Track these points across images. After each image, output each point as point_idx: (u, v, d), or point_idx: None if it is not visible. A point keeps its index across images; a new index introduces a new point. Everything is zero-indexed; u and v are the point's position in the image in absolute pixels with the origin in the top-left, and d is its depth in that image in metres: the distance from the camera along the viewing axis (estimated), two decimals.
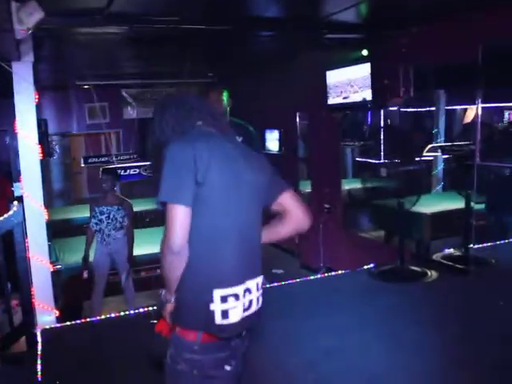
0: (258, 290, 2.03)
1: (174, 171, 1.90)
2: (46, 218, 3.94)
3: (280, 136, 8.08)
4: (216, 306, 1.89)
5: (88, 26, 4.46)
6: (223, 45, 6.20)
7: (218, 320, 1.89)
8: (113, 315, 4.30)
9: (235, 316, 1.91)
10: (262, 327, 3.06)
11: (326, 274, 5.41)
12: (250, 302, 1.98)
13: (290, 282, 4.91)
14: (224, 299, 1.90)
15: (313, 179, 7.51)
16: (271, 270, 6.66)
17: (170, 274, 1.92)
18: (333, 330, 3.72)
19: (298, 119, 7.64)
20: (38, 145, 3.87)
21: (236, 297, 1.92)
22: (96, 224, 5.47)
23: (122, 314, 4.41)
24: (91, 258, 5.55)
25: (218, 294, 1.89)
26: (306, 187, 7.60)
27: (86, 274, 5.48)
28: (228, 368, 1.96)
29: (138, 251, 5.86)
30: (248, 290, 1.97)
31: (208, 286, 1.89)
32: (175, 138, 2.01)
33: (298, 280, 4.98)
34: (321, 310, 4.13)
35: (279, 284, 4.79)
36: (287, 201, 2.12)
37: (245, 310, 1.95)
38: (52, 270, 3.95)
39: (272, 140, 8.28)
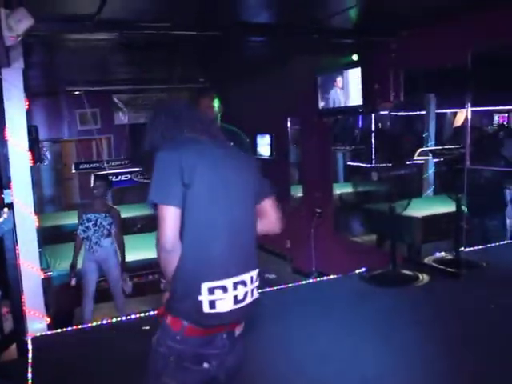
0: (252, 282, 2.14)
1: (162, 175, 2.05)
2: (37, 224, 3.92)
3: (271, 141, 8.09)
4: (204, 297, 2.02)
5: (78, 33, 4.45)
6: (214, 50, 6.21)
7: (206, 309, 2.02)
8: (104, 322, 4.28)
9: (223, 307, 2.03)
10: (253, 331, 3.06)
11: (318, 279, 5.41)
12: (245, 294, 2.10)
13: (282, 286, 4.91)
14: (211, 291, 2.03)
15: (304, 184, 7.52)
16: (263, 274, 6.65)
17: (165, 268, 2.07)
18: (324, 334, 3.72)
19: (289, 124, 7.65)
20: (28, 151, 3.86)
21: (224, 289, 2.04)
22: (83, 231, 5.46)
23: (114, 320, 4.39)
24: (79, 266, 5.54)
25: (205, 286, 2.02)
26: (298, 192, 7.60)
27: (73, 282, 5.47)
28: (206, 365, 2.07)
29: (129, 257, 5.84)
30: (242, 283, 2.09)
31: (197, 278, 2.03)
32: (164, 145, 2.14)
33: (290, 285, 4.98)
34: (313, 314, 4.13)
35: (271, 289, 4.79)
36: (267, 207, 2.32)
37: (237, 301, 2.07)
38: (43, 276, 3.93)
39: (263, 145, 8.28)
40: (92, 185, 5.91)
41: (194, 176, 2.03)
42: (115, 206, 5.93)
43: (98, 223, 5.46)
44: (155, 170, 2.07)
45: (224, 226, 2.10)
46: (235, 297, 2.07)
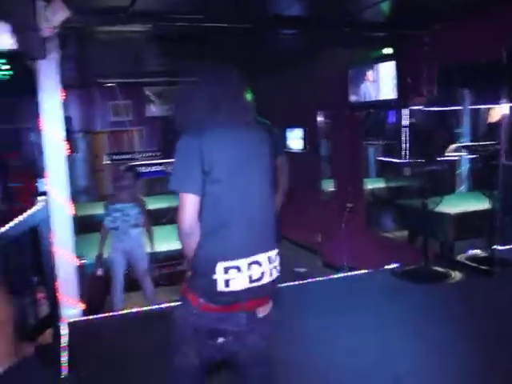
0: (270, 262, 2.24)
1: (182, 162, 2.17)
2: (72, 213, 3.98)
3: (303, 134, 8.05)
4: (218, 276, 2.13)
5: (112, 25, 4.49)
6: (246, 43, 6.20)
7: (220, 288, 2.13)
8: (134, 310, 4.33)
9: (237, 285, 2.14)
10: (283, 324, 3.06)
11: (349, 273, 5.38)
12: (262, 273, 2.19)
13: (312, 280, 4.90)
14: (226, 271, 2.13)
15: (335, 178, 7.47)
16: (294, 268, 6.65)
17: (186, 250, 2.23)
18: (355, 328, 3.70)
19: (320, 118, 7.60)
20: (64, 141, 3.91)
21: (238, 269, 2.15)
22: (111, 222, 5.51)
23: (144, 309, 4.43)
24: (107, 255, 5.60)
25: (220, 266, 2.13)
26: (329, 186, 7.56)
27: (99, 272, 5.54)
28: (221, 340, 2.21)
29: (159, 248, 5.90)
30: (257, 263, 2.19)
31: (213, 259, 2.14)
32: (186, 130, 2.21)
33: (320, 279, 4.96)
34: (343, 308, 4.11)
35: (302, 282, 4.78)
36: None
37: (253, 281, 2.17)
38: (77, 264, 3.98)
39: (294, 138, 8.25)
40: (120, 175, 5.97)
41: (213, 162, 2.11)
42: (141, 197, 5.97)
43: (126, 213, 5.51)
44: (176, 158, 2.18)
45: (240, 210, 2.18)
46: (250, 276, 2.16)
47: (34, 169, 7.53)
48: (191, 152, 2.13)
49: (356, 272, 5.22)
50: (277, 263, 2.29)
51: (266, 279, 2.21)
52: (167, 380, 2.34)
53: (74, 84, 9.05)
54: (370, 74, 6.04)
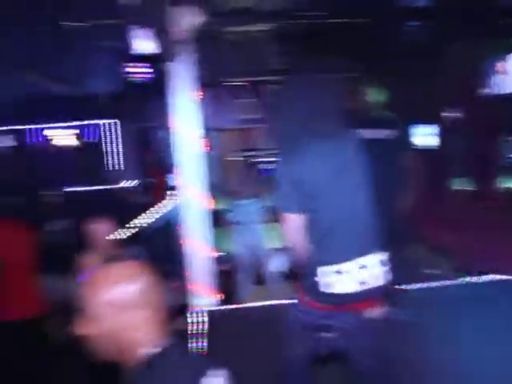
0: (380, 265, 2.34)
1: (282, 183, 2.40)
2: (206, 207, 4.14)
3: (434, 131, 7.75)
4: (319, 279, 2.32)
5: (239, 25, 4.64)
6: (370, 37, 6.10)
7: (322, 288, 2.32)
8: (258, 304, 4.41)
9: (342, 288, 2.29)
10: (412, 326, 3.00)
11: (486, 278, 5.09)
12: (369, 277, 2.31)
13: (445, 283, 4.69)
14: (326, 274, 2.31)
15: (470, 176, 7.10)
16: (424, 270, 6.42)
17: (295, 256, 2.50)
18: (488, 337, 3.50)
19: (450, 113, 7.28)
20: (199, 139, 4.11)
21: (338, 272, 2.30)
22: (235, 217, 5.67)
23: (268, 303, 4.50)
24: (233, 250, 5.77)
25: (321, 269, 2.32)
26: (463, 185, 7.22)
27: (225, 266, 5.70)
28: (325, 335, 2.44)
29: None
30: (364, 267, 2.30)
31: (315, 263, 2.36)
32: (283, 150, 2.52)
33: (452, 281, 4.74)
34: (479, 314, 3.90)
35: (433, 285, 4.60)
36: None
37: (360, 284, 2.31)
38: (210, 256, 4.13)
39: (423, 135, 7.97)
40: (244, 172, 6.12)
41: (309, 180, 2.31)
42: (265, 192, 6.09)
43: (249, 209, 5.65)
44: (277, 178, 2.43)
45: (340, 217, 2.34)
46: (356, 279, 2.28)
47: (163, 165, 7.99)
48: (289, 173, 2.35)
49: (494, 277, 4.90)
50: (385, 267, 2.38)
51: (376, 282, 2.32)
52: (279, 372, 2.48)
53: (204, 83, 9.41)
54: (501, 65, 5.69)
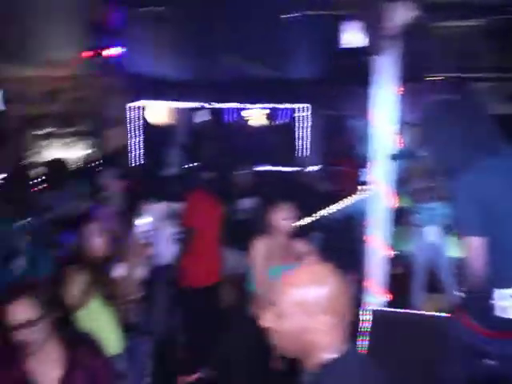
0: None
1: (461, 207, 2.25)
2: (391, 205, 4.03)
3: None
4: (496, 302, 2.20)
5: (446, 20, 4.45)
6: None
7: (497, 312, 2.20)
8: (431, 313, 4.22)
9: None
10: None
11: None
12: None
13: None
14: (504, 297, 2.19)
15: None
16: None
17: (469, 276, 2.31)
18: None
19: None
20: (394, 134, 4.03)
21: None
22: (418, 219, 5.49)
23: (439, 314, 4.23)
24: (410, 251, 5.59)
25: (498, 292, 2.20)
26: None
27: (399, 269, 5.49)
28: (488, 362, 2.24)
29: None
30: None
31: (491, 284, 2.23)
32: (461, 172, 2.26)
33: None
34: None
35: None
36: None
37: None
38: (388, 255, 4.06)
39: None
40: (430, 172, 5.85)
41: (487, 201, 2.15)
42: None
43: (434, 213, 5.44)
44: (455, 200, 2.30)
45: None
46: None
47: (353, 156, 7.98)
48: (468, 195, 2.18)
49: None
50: None
51: None
52: None
53: (406, 78, 9.20)
54: None
